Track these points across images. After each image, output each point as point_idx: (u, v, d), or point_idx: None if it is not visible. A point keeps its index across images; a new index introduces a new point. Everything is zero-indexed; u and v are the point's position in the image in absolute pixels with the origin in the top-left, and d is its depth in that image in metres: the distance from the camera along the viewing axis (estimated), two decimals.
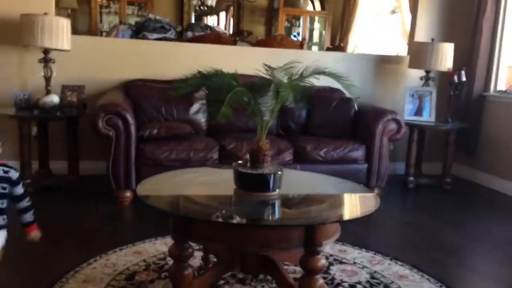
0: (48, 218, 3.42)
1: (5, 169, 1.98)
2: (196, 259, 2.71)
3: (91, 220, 3.47)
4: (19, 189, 2.03)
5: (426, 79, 4.98)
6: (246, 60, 4.51)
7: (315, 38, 9.29)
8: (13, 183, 2.00)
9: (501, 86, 5.05)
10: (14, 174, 2.00)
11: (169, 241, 2.93)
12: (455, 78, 4.69)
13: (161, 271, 2.66)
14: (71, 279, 2.52)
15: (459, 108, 5.08)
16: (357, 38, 8.17)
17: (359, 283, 2.66)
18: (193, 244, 2.18)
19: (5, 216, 2.00)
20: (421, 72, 5.02)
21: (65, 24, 3.99)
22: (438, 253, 3.19)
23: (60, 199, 3.92)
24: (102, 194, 3.89)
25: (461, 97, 5.07)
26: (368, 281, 2.68)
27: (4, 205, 1.99)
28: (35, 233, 2.11)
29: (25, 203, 2.06)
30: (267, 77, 2.36)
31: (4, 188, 1.97)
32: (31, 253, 2.82)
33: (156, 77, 4.47)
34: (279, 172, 2.30)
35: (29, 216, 2.08)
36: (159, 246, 2.99)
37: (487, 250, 3.36)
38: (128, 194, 3.78)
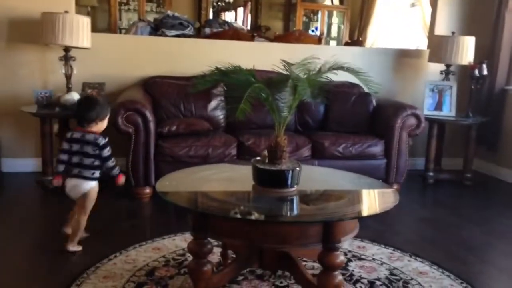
0: (69, 214, 3.48)
1: (96, 136, 2.78)
2: (215, 255, 2.73)
3: (111, 216, 3.51)
4: (106, 152, 2.80)
5: (447, 73, 4.92)
6: (264, 56, 4.51)
7: (333, 32, 9.23)
8: (101, 147, 2.78)
9: None
10: (101, 141, 2.79)
11: (188, 237, 2.95)
12: (476, 72, 4.61)
13: (180, 267, 2.69)
14: (92, 274, 2.56)
15: (480, 102, 5.01)
16: (376, 32, 8.09)
17: (378, 279, 2.65)
18: (212, 240, 2.19)
19: (95, 172, 2.81)
20: (441, 66, 4.95)
21: (85, 22, 4.04)
22: (458, 250, 3.15)
23: None
24: (122, 191, 3.92)
25: (483, 91, 5.00)
26: (387, 278, 2.67)
27: (96, 163, 2.80)
28: (121, 181, 2.92)
29: (111, 163, 2.84)
30: (285, 73, 2.36)
31: (94, 150, 2.77)
32: (53, 248, 2.88)
33: (175, 74, 4.49)
34: (297, 168, 2.30)
35: (115, 171, 2.87)
36: (178, 242, 3.01)
37: (509, 246, 3.32)
38: (148, 190, 3.82)
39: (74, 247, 2.85)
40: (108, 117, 2.92)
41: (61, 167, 2.80)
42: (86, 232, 2.97)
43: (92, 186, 2.83)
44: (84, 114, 2.81)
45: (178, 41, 4.91)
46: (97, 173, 2.82)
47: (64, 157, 2.79)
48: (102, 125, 2.88)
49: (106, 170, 2.85)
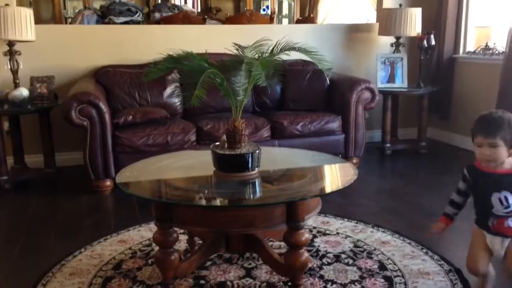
0: (28, 212, 3.40)
1: None
2: (182, 243, 2.73)
3: (73, 211, 3.44)
4: None
5: (397, 45, 5.01)
6: (216, 39, 4.48)
7: (285, 10, 9.22)
8: None
9: (470, 47, 5.11)
10: None
11: (153, 227, 2.92)
12: (425, 42, 4.73)
13: (147, 258, 2.67)
14: (57, 273, 2.51)
15: (430, 72, 5.13)
16: (327, 8, 8.13)
17: (343, 252, 2.72)
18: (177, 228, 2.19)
19: None
20: (391, 39, 5.04)
21: (27, 14, 3.88)
22: (418, 217, 3.26)
23: (38, 193, 3.88)
24: (82, 185, 3.86)
25: (432, 61, 5.12)
26: (351, 250, 2.74)
27: None
28: None
29: None
30: (239, 53, 2.36)
31: None
32: (14, 248, 2.81)
33: (126, 62, 4.39)
34: (257, 151, 2.31)
35: None
36: (143, 233, 2.99)
37: (466, 210, 3.43)
38: (108, 183, 3.76)
39: None
40: None
41: None
42: None
43: None
44: None
45: (127, 28, 4.80)
46: None
47: None
48: None
49: None
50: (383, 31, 4.97)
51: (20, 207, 3.54)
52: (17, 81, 4.01)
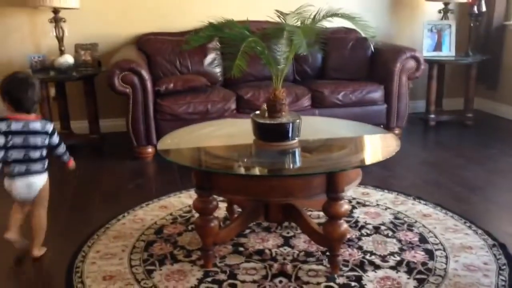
0: (74, 177, 3.51)
1: (42, 124, 2.32)
2: (221, 210, 2.76)
3: (116, 177, 3.54)
4: (55, 139, 2.37)
5: (445, 11, 4.81)
6: (258, 5, 4.42)
7: None
8: (51, 134, 2.34)
9: None
10: (49, 127, 2.34)
11: (193, 194, 2.95)
12: (475, 8, 4.52)
13: (187, 223, 2.73)
14: (102, 235, 2.60)
15: (479, 40, 4.92)
16: None
17: (383, 224, 2.69)
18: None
19: (45, 162, 2.36)
20: (439, 5, 4.84)
21: None
22: (462, 190, 3.18)
23: (83, 158, 3.99)
24: (125, 151, 3.95)
25: (481, 28, 4.90)
26: (391, 222, 2.71)
27: (44, 154, 2.34)
28: (72, 165, 2.53)
29: (61, 149, 2.44)
30: (281, 21, 2.32)
31: (44, 140, 2.31)
32: (61, 211, 2.92)
33: (168, 30, 4.40)
34: (298, 121, 2.29)
35: (66, 158, 2.48)
36: (184, 200, 3.05)
37: (510, 183, 3.34)
38: (150, 149, 3.83)
39: (41, 251, 2.44)
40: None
41: None
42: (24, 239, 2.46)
43: (46, 177, 2.39)
44: (26, 97, 2.27)
45: None
46: (46, 163, 2.38)
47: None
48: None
49: (57, 157, 2.45)
50: None
51: (66, 171, 3.65)
52: (63, 48, 4.10)
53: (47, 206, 2.44)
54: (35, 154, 2.29)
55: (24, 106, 2.27)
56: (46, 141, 2.32)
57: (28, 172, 2.30)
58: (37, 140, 2.28)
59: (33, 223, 2.42)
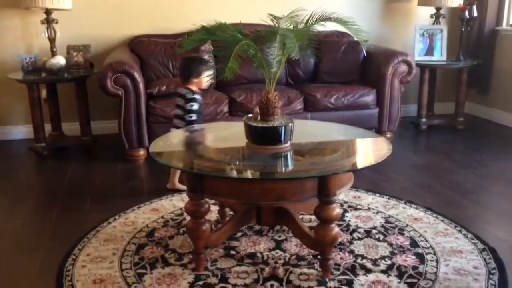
0: (65, 179, 3.49)
1: (187, 90, 3.11)
2: (213, 213, 2.76)
3: (108, 179, 3.52)
4: (188, 106, 3.08)
5: (437, 16, 4.85)
6: (251, 8, 4.42)
7: None
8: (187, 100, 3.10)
9: None
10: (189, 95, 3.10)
11: (185, 197, 2.96)
12: (466, 13, 4.55)
13: (179, 227, 2.72)
14: (92, 238, 2.59)
15: (470, 45, 4.96)
16: None
17: (374, 228, 2.70)
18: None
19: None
20: (431, 9, 4.88)
21: None
22: (453, 194, 3.20)
23: (75, 160, 3.98)
24: (116, 154, 3.93)
25: (473, 33, 4.94)
26: (383, 226, 2.72)
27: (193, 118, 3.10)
28: None
29: (188, 117, 3.10)
30: (274, 24, 2.32)
31: (192, 106, 3.08)
32: (52, 213, 2.90)
33: (161, 32, 4.39)
34: (290, 124, 2.29)
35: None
36: (175, 202, 3.04)
37: (503, 188, 3.37)
38: (142, 152, 3.81)
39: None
40: (202, 76, 3.13)
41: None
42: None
43: None
44: (181, 72, 3.22)
45: None
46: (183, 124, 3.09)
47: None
48: (200, 82, 3.14)
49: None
50: (423, 1, 4.81)
51: (57, 174, 3.64)
52: (54, 49, 4.08)
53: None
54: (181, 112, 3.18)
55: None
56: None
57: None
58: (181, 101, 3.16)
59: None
